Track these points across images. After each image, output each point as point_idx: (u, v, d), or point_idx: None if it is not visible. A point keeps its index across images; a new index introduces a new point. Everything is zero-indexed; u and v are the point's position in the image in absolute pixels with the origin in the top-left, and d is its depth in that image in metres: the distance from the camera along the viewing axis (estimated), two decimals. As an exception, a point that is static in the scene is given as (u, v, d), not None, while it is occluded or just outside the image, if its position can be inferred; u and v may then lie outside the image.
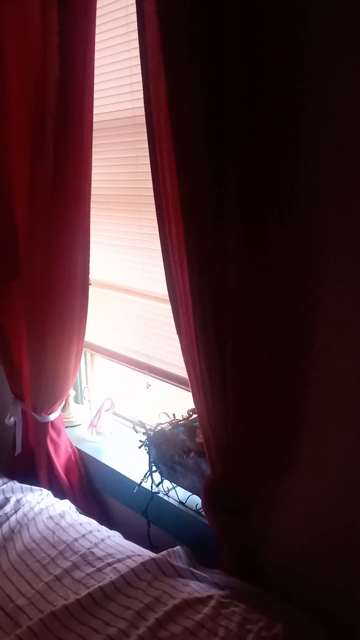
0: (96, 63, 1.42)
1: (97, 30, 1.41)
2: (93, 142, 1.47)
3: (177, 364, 1.55)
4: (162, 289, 1.25)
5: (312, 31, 0.96)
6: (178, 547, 1.35)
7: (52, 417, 1.77)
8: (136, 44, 1.12)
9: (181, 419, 1.52)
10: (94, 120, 1.47)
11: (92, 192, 1.53)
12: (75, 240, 1.52)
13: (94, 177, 1.53)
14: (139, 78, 1.14)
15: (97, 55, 1.43)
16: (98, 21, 1.40)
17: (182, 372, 1.36)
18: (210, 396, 1.18)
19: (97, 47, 1.42)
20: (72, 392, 1.98)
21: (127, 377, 1.96)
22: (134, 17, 1.12)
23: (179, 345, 1.27)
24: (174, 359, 1.56)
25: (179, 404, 1.59)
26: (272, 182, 1.02)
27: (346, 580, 1.16)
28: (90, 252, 1.58)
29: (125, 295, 1.70)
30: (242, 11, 0.93)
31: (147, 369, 1.67)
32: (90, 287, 1.66)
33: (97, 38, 1.43)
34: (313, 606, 1.20)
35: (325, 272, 1.05)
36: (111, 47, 1.45)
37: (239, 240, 1.04)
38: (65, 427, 1.88)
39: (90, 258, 1.59)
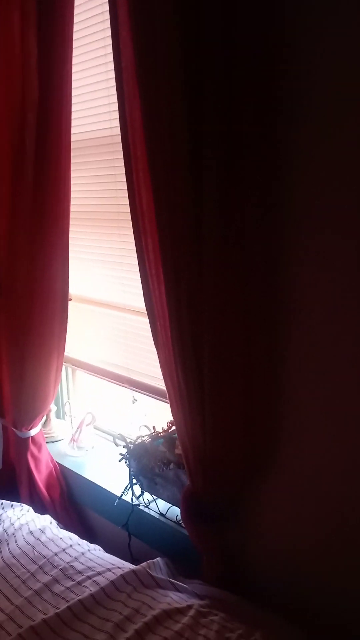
0: (75, 84, 1.47)
1: (76, 52, 1.46)
2: (73, 161, 1.51)
3: (157, 377, 1.57)
4: (141, 302, 1.28)
5: (289, 52, 1.01)
6: (158, 558, 1.36)
7: (33, 432, 1.78)
8: (112, 66, 1.16)
9: (161, 431, 1.54)
10: (74, 139, 1.50)
11: (72, 209, 1.56)
12: (54, 256, 1.55)
13: (74, 195, 1.56)
14: (116, 99, 1.17)
15: (76, 76, 1.48)
16: (76, 44, 1.45)
17: (162, 384, 1.38)
18: (188, 408, 1.20)
19: (76, 68, 1.47)
20: (53, 408, 1.99)
21: (113, 392, 1.98)
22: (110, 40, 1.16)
23: (158, 358, 1.29)
24: (154, 372, 1.58)
25: (165, 417, 1.60)
26: (248, 200, 1.06)
27: (327, 586, 1.17)
28: (70, 268, 1.60)
29: (105, 310, 1.72)
30: (220, 34, 0.97)
31: (127, 382, 1.69)
32: (70, 302, 1.69)
33: (76, 60, 1.47)
34: (294, 612, 1.21)
35: (302, 285, 1.08)
36: (89, 69, 1.49)
37: (215, 254, 1.08)
38: (47, 442, 1.88)
39: (70, 274, 1.61)
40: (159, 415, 1.69)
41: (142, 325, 1.54)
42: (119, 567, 1.32)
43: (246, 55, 1.00)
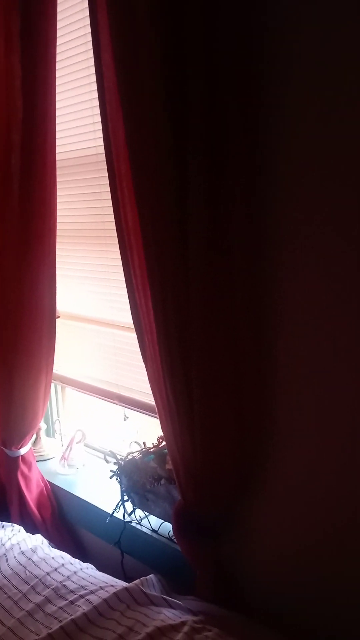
0: (60, 104, 1.49)
1: (60, 72, 1.49)
2: (59, 179, 1.52)
3: (146, 392, 1.57)
4: (129, 318, 1.29)
5: (271, 75, 1.04)
6: (151, 575, 1.35)
7: (23, 451, 1.77)
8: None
9: (151, 446, 1.53)
10: (59, 158, 1.52)
11: (59, 227, 1.58)
12: (41, 274, 1.56)
13: (60, 213, 1.58)
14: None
15: (60, 96, 1.50)
16: (60, 65, 1.48)
17: (151, 399, 1.38)
18: (178, 423, 1.21)
19: (60, 89, 1.49)
20: (43, 426, 1.98)
21: (104, 410, 1.97)
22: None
23: (147, 373, 1.30)
24: (144, 387, 1.58)
25: (157, 433, 1.60)
26: (234, 214, 1.08)
27: (321, 599, 1.17)
28: (58, 285, 1.61)
29: (93, 326, 1.73)
30: (203, 54, 0.99)
31: (117, 398, 1.69)
32: (59, 319, 1.69)
33: (60, 80, 1.50)
34: (289, 626, 1.21)
35: (289, 296, 1.10)
36: (74, 89, 1.52)
37: (201, 267, 1.09)
38: (37, 461, 1.87)
39: (58, 291, 1.62)
40: (150, 432, 1.69)
41: (131, 341, 1.55)
42: (111, 585, 1.31)
43: (228, 70, 1.02)
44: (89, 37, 1.17)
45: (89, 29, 1.17)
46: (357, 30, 0.92)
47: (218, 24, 1.00)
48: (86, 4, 1.16)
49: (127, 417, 1.75)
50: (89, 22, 1.16)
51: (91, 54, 1.18)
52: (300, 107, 1.01)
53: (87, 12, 1.17)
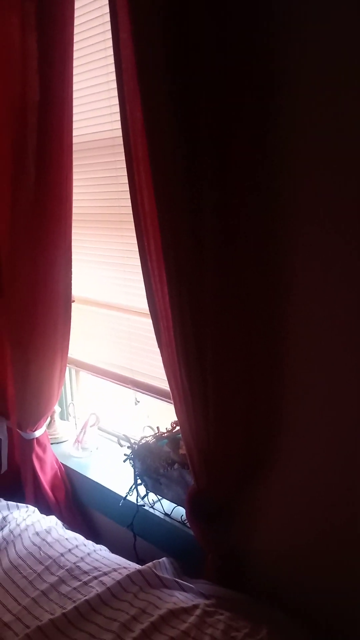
0: (76, 86, 1.47)
1: (77, 54, 1.46)
2: (74, 163, 1.51)
3: (160, 377, 1.58)
4: (144, 303, 1.28)
5: (282, 50, 1.02)
6: (164, 558, 1.36)
7: (38, 433, 1.78)
8: (114, 67, 1.17)
9: (165, 431, 1.54)
10: (75, 141, 1.51)
11: (75, 211, 1.57)
12: (57, 257, 1.55)
13: (76, 197, 1.57)
14: (117, 100, 1.18)
15: (76, 78, 1.48)
16: (77, 45, 1.45)
17: (165, 385, 1.38)
18: (192, 408, 1.21)
19: (76, 70, 1.47)
20: (57, 409, 1.99)
21: (116, 393, 1.98)
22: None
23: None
24: (158, 373, 1.59)
25: (168, 418, 1.61)
26: (249, 197, 1.07)
27: (332, 582, 1.18)
28: (73, 269, 1.61)
29: (108, 311, 1.73)
30: (216, 35, 0.98)
31: (131, 383, 1.69)
32: (74, 304, 1.69)
33: (77, 62, 1.48)
34: (299, 609, 1.22)
35: (303, 282, 1.09)
36: (90, 71, 1.50)
37: (217, 253, 1.08)
38: (51, 443, 1.89)
39: (74, 275, 1.62)
40: (161, 416, 1.69)
41: (145, 327, 1.55)
42: (124, 567, 1.33)
43: (241, 53, 1.01)
44: (107, 17, 1.16)
45: (106, 9, 1.16)
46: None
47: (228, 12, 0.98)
48: (104, -17, 1.14)
49: (138, 402, 1.76)
50: (107, 2, 1.14)
51: (109, 34, 1.16)
52: (310, 100, 1.00)
53: (105, -8, 1.15)
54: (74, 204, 1.56)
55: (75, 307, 1.71)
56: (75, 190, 1.55)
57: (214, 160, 1.03)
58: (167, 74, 1.02)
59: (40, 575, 1.34)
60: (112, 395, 2.00)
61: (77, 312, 1.78)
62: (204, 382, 1.16)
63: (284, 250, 1.09)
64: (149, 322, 1.29)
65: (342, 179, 0.99)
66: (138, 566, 1.33)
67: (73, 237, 1.58)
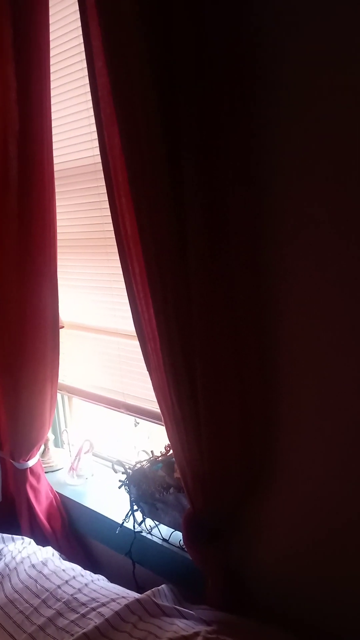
0: (56, 114, 1.49)
1: (56, 83, 1.48)
2: (58, 189, 1.52)
3: (153, 400, 1.56)
4: (132, 326, 1.28)
5: (262, 76, 1.03)
6: (163, 585, 1.33)
7: (31, 463, 1.76)
8: (91, 95, 1.18)
9: (159, 455, 1.52)
10: (57, 168, 1.52)
11: (60, 237, 1.57)
12: (43, 284, 1.55)
13: (60, 223, 1.57)
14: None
15: (57, 106, 1.50)
16: (56, 75, 1.48)
17: (157, 407, 1.37)
18: (184, 430, 1.19)
19: (56, 99, 1.49)
20: (51, 437, 1.97)
21: (113, 417, 1.96)
22: (87, 71, 1.18)
23: (151, 381, 1.29)
24: (149, 395, 1.57)
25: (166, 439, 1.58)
26: (231, 217, 1.07)
27: (340, 603, 1.15)
28: (61, 295, 1.60)
29: (97, 335, 1.72)
30: (193, 62, 0.99)
31: (123, 407, 1.68)
32: (62, 329, 1.68)
33: (56, 91, 1.49)
34: (305, 632, 1.19)
35: (290, 302, 1.09)
36: (70, 99, 1.51)
37: (203, 272, 1.08)
38: (46, 472, 1.87)
39: (61, 301, 1.61)
40: (162, 437, 1.67)
41: (136, 349, 1.53)
42: (123, 597, 1.30)
43: (221, 74, 1.02)
44: (82, 47, 1.17)
45: (81, 39, 1.17)
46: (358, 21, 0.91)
47: (207, 26, 0.99)
48: (78, 14, 1.16)
49: (138, 423, 1.74)
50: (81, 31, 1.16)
51: (85, 63, 1.17)
52: (298, 105, 1.00)
53: (79, 22, 1.16)
54: (59, 229, 1.57)
55: (64, 333, 1.70)
56: (59, 216, 1.55)
57: (193, 183, 1.03)
58: (144, 100, 1.02)
59: (37, 609, 1.31)
60: (109, 418, 1.98)
61: (66, 338, 1.77)
62: (195, 403, 1.15)
63: (269, 268, 1.10)
64: (138, 344, 1.29)
65: (338, 183, 0.99)
66: (137, 595, 1.31)
67: (59, 262, 1.58)
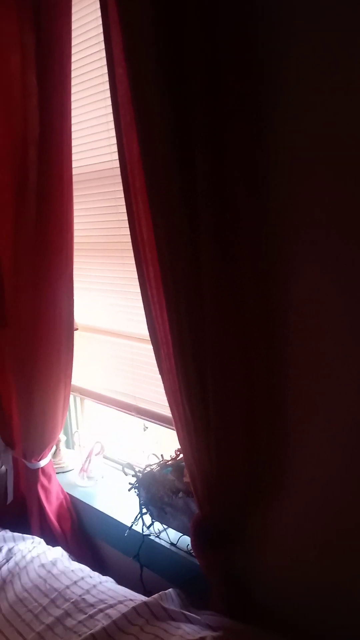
0: (76, 119, 1.51)
1: (76, 88, 1.50)
2: (76, 193, 1.54)
3: (164, 404, 1.57)
4: (146, 330, 1.29)
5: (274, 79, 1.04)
6: (170, 589, 1.34)
7: (43, 463, 1.78)
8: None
9: (169, 459, 1.53)
10: (76, 172, 1.54)
11: (77, 241, 1.59)
12: (59, 287, 1.57)
13: (78, 226, 1.59)
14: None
15: (76, 111, 1.52)
16: (76, 80, 1.50)
17: (169, 412, 1.38)
18: (195, 434, 1.20)
19: (76, 104, 1.51)
20: (62, 438, 1.99)
21: (123, 420, 1.97)
22: (107, 77, 1.19)
23: (163, 385, 1.29)
24: (161, 399, 1.58)
25: (177, 444, 1.59)
26: (245, 224, 1.08)
27: (347, 611, 1.15)
28: (76, 298, 1.62)
29: (111, 338, 1.73)
30: (206, 66, 1.00)
31: (135, 410, 1.69)
32: (77, 331, 1.70)
33: (76, 96, 1.52)
34: (308, 635, 1.19)
35: (301, 303, 1.09)
36: (89, 105, 1.53)
37: (215, 280, 1.09)
38: (57, 473, 1.88)
39: (77, 304, 1.63)
40: (170, 442, 1.68)
41: (149, 353, 1.54)
42: (130, 600, 1.31)
43: (232, 73, 1.03)
44: (104, 54, 1.19)
45: (102, 45, 1.19)
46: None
47: (217, 31, 1.00)
48: (100, 21, 1.18)
49: (147, 428, 1.75)
50: (102, 39, 1.18)
51: (106, 69, 1.19)
52: (305, 106, 1.01)
53: (101, 29, 1.18)
54: (77, 233, 1.59)
55: (78, 335, 1.72)
56: (77, 220, 1.57)
57: (215, 191, 1.04)
58: (164, 106, 1.04)
59: (45, 608, 1.32)
60: (119, 422, 1.99)
61: (80, 340, 1.79)
62: (206, 408, 1.15)
63: (281, 273, 1.10)
64: (151, 348, 1.30)
65: (341, 184, 0.99)
66: (144, 598, 1.31)
67: (76, 265, 1.59)
